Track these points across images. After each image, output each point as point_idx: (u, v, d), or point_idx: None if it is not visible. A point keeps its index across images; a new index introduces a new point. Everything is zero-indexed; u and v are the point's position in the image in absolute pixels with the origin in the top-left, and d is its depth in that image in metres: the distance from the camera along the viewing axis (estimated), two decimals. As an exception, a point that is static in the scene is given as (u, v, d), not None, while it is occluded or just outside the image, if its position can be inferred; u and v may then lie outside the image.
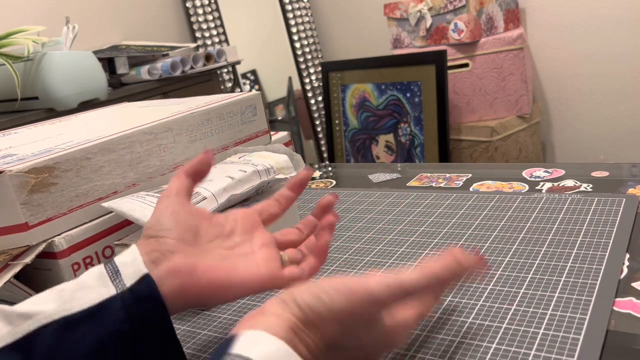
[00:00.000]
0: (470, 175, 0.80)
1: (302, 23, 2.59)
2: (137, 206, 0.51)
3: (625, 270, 0.48)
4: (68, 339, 0.33)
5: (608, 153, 2.20)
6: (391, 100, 2.12)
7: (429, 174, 0.83)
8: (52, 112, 1.40)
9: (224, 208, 0.55)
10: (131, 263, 0.36)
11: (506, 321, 0.43)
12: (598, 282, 0.47)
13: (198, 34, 2.34)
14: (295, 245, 0.45)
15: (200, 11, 2.34)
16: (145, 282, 0.35)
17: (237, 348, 0.30)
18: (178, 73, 1.76)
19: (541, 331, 0.41)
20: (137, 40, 2.13)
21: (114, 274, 0.36)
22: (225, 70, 2.29)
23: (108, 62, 1.72)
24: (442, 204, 0.70)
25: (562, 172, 0.75)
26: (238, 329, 0.32)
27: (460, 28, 1.98)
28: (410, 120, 2.08)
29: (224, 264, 0.39)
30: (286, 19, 2.55)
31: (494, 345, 0.41)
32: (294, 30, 2.57)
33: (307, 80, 2.60)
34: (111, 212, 0.56)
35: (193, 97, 0.82)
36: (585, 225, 0.58)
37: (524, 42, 2.04)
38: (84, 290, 0.35)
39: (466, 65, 2.04)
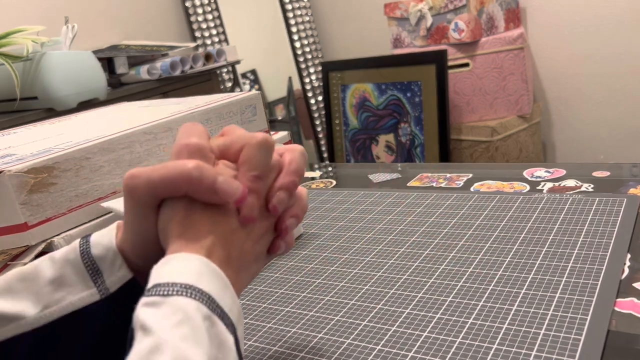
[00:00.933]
0: (470, 175, 0.80)
1: (302, 23, 2.59)
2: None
3: (626, 270, 0.48)
4: (50, 344, 0.34)
5: (608, 153, 2.20)
6: (391, 100, 2.12)
7: (430, 174, 0.83)
8: (51, 112, 1.40)
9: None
10: (110, 261, 0.35)
11: (507, 322, 0.43)
12: (599, 283, 0.46)
13: (198, 34, 2.33)
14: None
15: (200, 11, 2.34)
16: (130, 287, 0.35)
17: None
18: (178, 73, 1.76)
19: (542, 332, 0.41)
20: (137, 40, 2.13)
21: (94, 273, 0.34)
22: (225, 70, 2.29)
23: (107, 62, 1.72)
24: (443, 204, 0.70)
25: (563, 172, 0.75)
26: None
27: (460, 28, 1.98)
28: (411, 120, 2.08)
29: None
30: (286, 19, 2.55)
31: (494, 346, 0.40)
32: (294, 30, 2.57)
33: (307, 80, 2.60)
34: (111, 212, 0.55)
35: (193, 96, 0.82)
36: (586, 225, 0.58)
37: (525, 41, 2.04)
38: (63, 289, 0.34)
39: (466, 65, 2.04)
